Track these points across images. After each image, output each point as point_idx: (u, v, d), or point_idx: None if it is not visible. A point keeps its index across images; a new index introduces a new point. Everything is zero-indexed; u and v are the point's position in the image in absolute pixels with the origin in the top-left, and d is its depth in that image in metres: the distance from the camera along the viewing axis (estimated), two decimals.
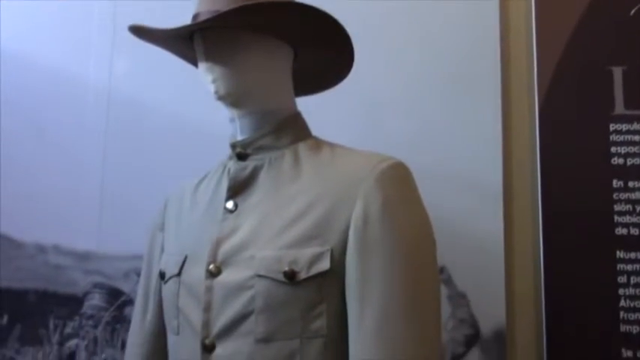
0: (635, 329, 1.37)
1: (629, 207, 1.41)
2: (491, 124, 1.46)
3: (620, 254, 1.40)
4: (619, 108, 1.45)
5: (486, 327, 1.45)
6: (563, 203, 1.44)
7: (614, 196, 1.42)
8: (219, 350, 0.94)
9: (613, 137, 1.44)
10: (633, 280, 1.39)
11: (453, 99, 1.48)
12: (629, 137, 1.44)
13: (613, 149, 1.43)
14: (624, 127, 1.44)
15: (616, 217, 1.41)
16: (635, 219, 1.41)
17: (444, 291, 1.44)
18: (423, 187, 1.00)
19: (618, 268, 1.40)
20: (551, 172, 1.45)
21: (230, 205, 1.01)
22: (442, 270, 1.45)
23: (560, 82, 1.47)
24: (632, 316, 1.38)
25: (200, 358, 0.95)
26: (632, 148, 1.43)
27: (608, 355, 1.37)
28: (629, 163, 1.43)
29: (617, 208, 1.42)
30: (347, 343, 0.91)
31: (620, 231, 1.41)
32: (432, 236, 0.97)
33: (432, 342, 0.91)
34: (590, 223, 1.42)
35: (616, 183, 1.42)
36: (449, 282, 1.46)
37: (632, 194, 1.42)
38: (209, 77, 1.02)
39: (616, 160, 1.43)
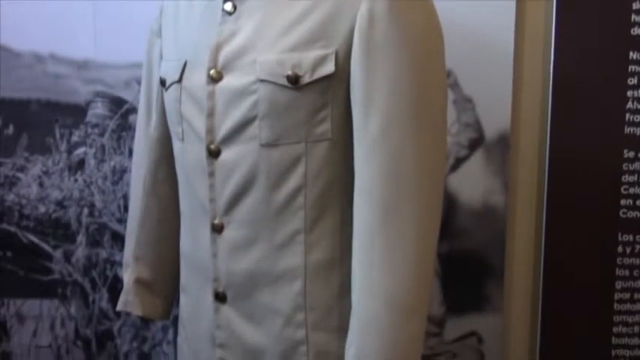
0: None
1: None
2: None
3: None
4: None
5: (491, 131, 1.45)
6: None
7: None
8: (224, 155, 0.94)
9: None
10: None
11: None
12: None
13: None
14: None
15: None
16: None
17: (449, 95, 1.42)
18: None
19: None
20: None
21: (228, 6, 0.96)
22: (449, 74, 1.42)
23: None
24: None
25: (206, 164, 0.96)
26: None
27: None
28: None
29: None
30: (352, 148, 0.91)
31: None
32: (441, 37, 0.93)
33: (436, 146, 0.90)
34: None
35: None
36: (455, 86, 1.43)
37: None
38: None
39: None
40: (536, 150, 1.46)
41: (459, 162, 1.46)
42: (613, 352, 1.45)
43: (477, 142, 1.45)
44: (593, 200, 1.42)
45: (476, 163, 1.46)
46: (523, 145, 1.47)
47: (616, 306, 1.44)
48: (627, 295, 1.44)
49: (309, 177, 0.92)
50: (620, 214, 1.42)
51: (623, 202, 1.41)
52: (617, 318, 1.44)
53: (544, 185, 1.43)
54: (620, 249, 1.43)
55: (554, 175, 1.42)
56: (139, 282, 1.19)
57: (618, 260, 1.43)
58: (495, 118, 1.45)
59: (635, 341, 1.45)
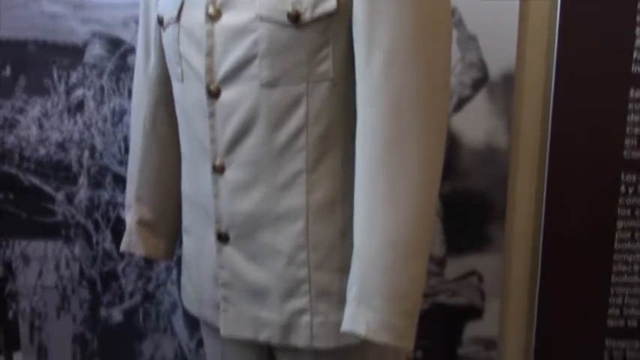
0: None
1: None
2: None
3: None
4: None
5: (495, 71, 1.43)
6: None
7: None
8: (224, 95, 0.93)
9: None
10: None
11: None
12: None
13: None
14: None
15: None
16: None
17: (453, 34, 1.40)
18: None
19: None
20: None
21: None
22: (453, 11, 1.39)
23: None
24: None
25: (206, 104, 0.95)
26: None
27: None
28: None
29: None
30: (354, 87, 0.90)
31: None
32: None
33: (439, 85, 0.89)
34: None
35: None
36: (459, 24, 1.40)
37: None
38: None
39: None
40: (541, 89, 1.44)
41: (462, 102, 1.44)
42: (612, 290, 1.47)
43: (480, 82, 1.43)
44: (597, 141, 1.41)
45: (479, 103, 1.44)
46: (528, 84, 1.45)
47: (616, 245, 1.45)
48: (628, 235, 1.44)
49: (311, 117, 0.91)
50: (624, 154, 1.41)
51: (627, 142, 1.41)
52: (617, 257, 1.46)
53: (548, 125, 1.42)
54: (622, 189, 1.42)
55: (557, 114, 1.40)
56: (141, 223, 1.19)
57: (620, 200, 1.43)
58: (500, 58, 1.42)
59: (634, 279, 1.46)
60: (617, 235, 1.45)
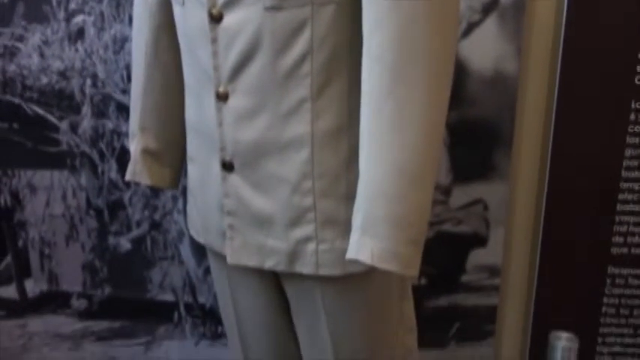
0: None
1: None
2: None
3: None
4: None
5: None
6: None
7: None
8: (227, 20, 0.91)
9: None
10: None
11: None
12: None
13: None
14: None
15: None
16: None
17: None
18: None
19: None
20: None
21: None
22: None
23: None
24: None
25: (208, 29, 0.92)
26: None
27: None
28: None
29: None
30: (360, 11, 0.87)
31: None
32: None
33: (449, 9, 0.86)
34: None
35: None
36: None
37: None
38: None
39: None
40: (552, 13, 1.40)
41: (471, 27, 1.41)
42: (617, 218, 1.48)
43: (490, 6, 1.39)
44: (609, 65, 1.38)
45: (489, 28, 1.41)
46: (539, 9, 1.41)
47: (624, 173, 1.44)
48: (635, 163, 1.43)
49: (315, 42, 0.89)
50: (636, 80, 1.38)
51: (639, 67, 1.38)
52: (623, 185, 1.45)
53: (558, 51, 1.38)
54: (632, 116, 1.40)
55: (569, 39, 1.37)
56: (145, 152, 1.19)
57: (630, 128, 1.41)
58: None
59: (639, 208, 1.46)
60: (624, 163, 1.44)
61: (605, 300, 1.53)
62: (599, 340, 1.56)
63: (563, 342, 1.35)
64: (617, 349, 1.56)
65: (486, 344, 1.62)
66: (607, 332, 1.55)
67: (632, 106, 1.40)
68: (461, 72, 1.42)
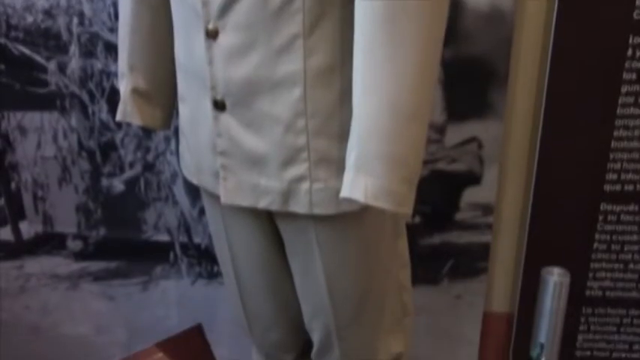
0: None
1: None
2: None
3: None
4: None
5: None
6: None
7: None
8: None
9: None
10: None
11: None
12: None
13: None
14: None
15: None
16: None
17: None
18: None
19: None
20: None
21: None
22: None
23: None
24: None
25: None
26: None
27: None
28: None
29: None
30: None
31: None
32: None
33: None
34: None
35: None
36: None
37: None
38: None
39: None
40: None
41: None
42: (611, 156, 1.47)
43: None
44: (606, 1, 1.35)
45: None
46: None
47: (619, 110, 1.43)
48: (631, 100, 1.42)
49: None
50: (634, 15, 1.36)
51: (638, 1, 1.35)
52: (618, 122, 1.44)
53: None
54: (630, 52, 1.38)
55: None
56: (135, 92, 1.17)
57: (627, 64, 1.39)
58: None
59: (633, 144, 1.46)
60: (620, 100, 1.42)
61: (597, 236, 1.55)
62: (590, 275, 1.58)
63: (554, 277, 1.37)
64: (607, 283, 1.58)
65: (478, 281, 1.65)
66: (598, 267, 1.57)
67: (630, 41, 1.38)
68: (456, 7, 1.39)
